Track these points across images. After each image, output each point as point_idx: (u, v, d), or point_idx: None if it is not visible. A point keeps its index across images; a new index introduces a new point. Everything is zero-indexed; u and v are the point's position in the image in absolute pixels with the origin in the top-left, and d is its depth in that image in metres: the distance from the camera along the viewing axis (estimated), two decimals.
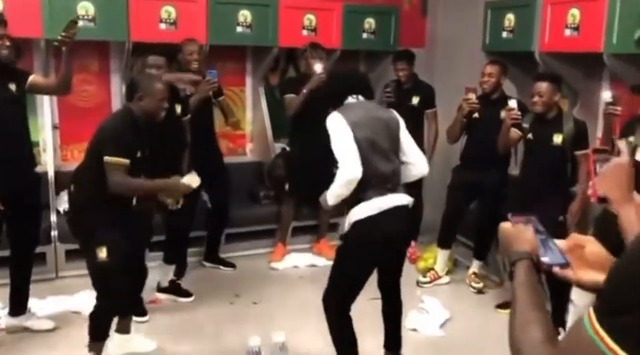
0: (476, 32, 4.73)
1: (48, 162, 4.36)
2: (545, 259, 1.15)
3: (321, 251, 4.80)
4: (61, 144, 4.67)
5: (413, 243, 4.49)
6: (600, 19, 3.59)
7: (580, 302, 3.17)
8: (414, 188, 3.95)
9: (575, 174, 3.59)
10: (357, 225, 2.71)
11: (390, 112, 2.98)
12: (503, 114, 3.86)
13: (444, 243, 4.34)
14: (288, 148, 4.90)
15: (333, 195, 2.74)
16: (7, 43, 3.08)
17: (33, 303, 3.57)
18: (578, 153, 3.54)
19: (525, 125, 3.68)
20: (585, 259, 1.17)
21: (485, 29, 4.63)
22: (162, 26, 4.33)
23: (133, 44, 4.28)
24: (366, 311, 2.96)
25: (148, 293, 3.74)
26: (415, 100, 4.67)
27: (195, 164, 3.99)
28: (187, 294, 3.99)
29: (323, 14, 4.84)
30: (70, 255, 4.13)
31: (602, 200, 1.27)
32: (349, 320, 2.83)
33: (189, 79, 3.97)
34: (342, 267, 2.82)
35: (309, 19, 4.80)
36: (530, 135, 3.67)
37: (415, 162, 2.90)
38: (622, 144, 1.25)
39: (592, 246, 1.18)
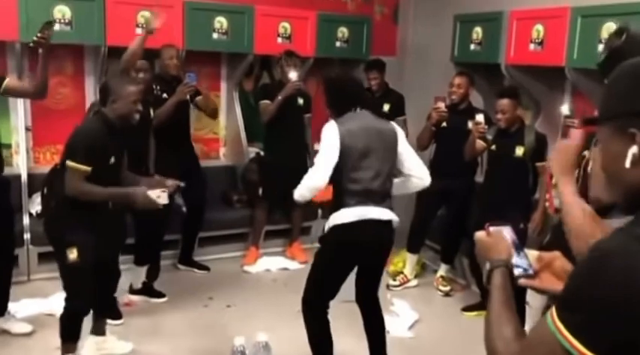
0: (445, 43, 4.90)
1: (20, 164, 4.35)
2: (514, 270, 1.26)
3: (293, 254, 4.89)
4: (34, 147, 4.65)
5: None
6: (562, 35, 3.79)
7: (535, 304, 3.36)
8: None
9: (535, 185, 3.76)
10: (335, 228, 2.79)
11: (388, 124, 2.99)
12: (470, 124, 4.02)
13: (412, 248, 4.48)
14: (261, 153, 4.98)
15: (298, 192, 2.85)
16: None
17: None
18: (538, 164, 3.71)
19: (489, 136, 3.84)
20: (553, 270, 1.30)
21: (454, 41, 4.80)
22: (139, 31, 4.33)
23: (108, 48, 4.30)
24: (341, 312, 3.06)
25: (122, 296, 3.78)
26: (386, 107, 4.80)
27: (172, 167, 4.05)
28: (160, 295, 4.04)
29: (297, 22, 4.94)
30: (43, 257, 4.13)
31: (559, 211, 1.40)
32: (326, 321, 2.92)
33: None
34: (319, 269, 2.91)
35: (284, 27, 4.89)
36: (493, 147, 3.83)
37: (416, 174, 2.94)
38: (575, 133, 1.42)
39: (559, 261, 1.31)
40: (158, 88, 4.08)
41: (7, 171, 3.60)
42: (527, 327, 3.36)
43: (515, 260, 1.27)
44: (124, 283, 3.81)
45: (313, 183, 2.78)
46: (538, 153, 3.69)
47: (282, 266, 4.77)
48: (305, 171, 4.72)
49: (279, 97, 4.39)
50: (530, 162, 3.71)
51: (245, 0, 4.87)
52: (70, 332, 3.00)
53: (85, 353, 3.15)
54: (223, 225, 4.84)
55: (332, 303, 2.96)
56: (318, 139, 5.23)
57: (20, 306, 3.72)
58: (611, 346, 0.85)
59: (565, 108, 3.36)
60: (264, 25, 4.81)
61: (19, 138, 4.40)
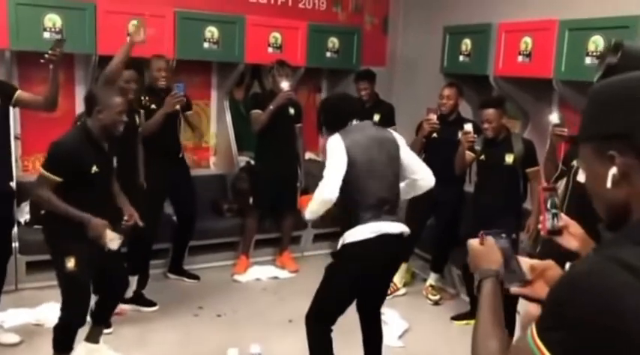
0: (435, 54, 4.96)
1: None
2: (506, 277, 1.27)
3: (283, 263, 4.89)
4: (23, 155, 4.63)
5: None
6: (550, 47, 3.85)
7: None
8: None
9: (526, 191, 3.81)
10: (351, 246, 2.74)
11: (388, 132, 3.01)
12: (460, 135, 4.05)
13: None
14: (252, 162, 4.99)
15: (310, 210, 2.81)
16: None
17: None
18: (529, 170, 3.77)
19: (478, 147, 3.88)
20: (545, 279, 1.32)
21: (443, 52, 4.85)
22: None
23: (99, 57, 4.30)
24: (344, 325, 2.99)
25: None
26: (376, 118, 4.83)
27: (160, 177, 4.06)
28: (151, 304, 4.03)
29: (288, 33, 4.98)
30: (31, 266, 4.11)
31: (551, 233, 1.41)
32: (330, 338, 2.86)
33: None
34: (331, 286, 2.84)
35: (275, 37, 4.92)
36: (482, 157, 3.88)
37: (422, 177, 2.97)
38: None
39: (552, 271, 1.33)
40: (147, 98, 4.08)
41: None
42: (516, 335, 3.37)
43: (509, 268, 1.28)
44: None
45: (325, 196, 2.71)
46: (528, 159, 3.74)
47: (272, 275, 4.76)
48: (295, 180, 4.83)
49: (271, 107, 4.41)
50: (521, 168, 3.76)
51: (236, 10, 4.90)
52: (63, 343, 2.99)
53: None
54: (213, 234, 4.83)
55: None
56: (308, 149, 5.33)
57: (8, 316, 3.69)
58: None
59: (554, 117, 3.40)
60: (255, 35, 4.84)
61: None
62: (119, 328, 3.66)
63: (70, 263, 2.84)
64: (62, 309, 2.99)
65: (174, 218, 4.47)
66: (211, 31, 4.67)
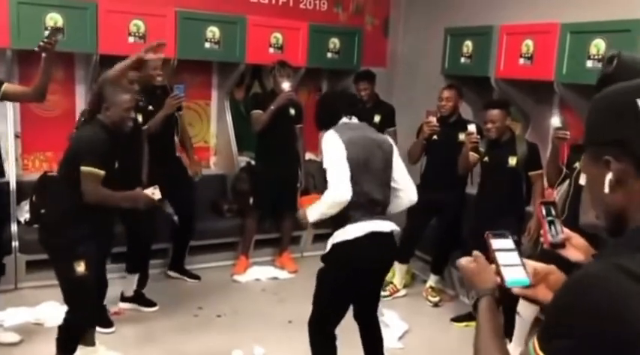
0: (435, 55, 4.96)
1: (9, 171, 4.31)
2: (510, 279, 1.27)
3: (283, 264, 4.89)
4: (23, 154, 4.62)
5: None
6: (552, 50, 3.86)
7: (525, 314, 3.40)
8: None
9: (529, 194, 3.81)
10: (338, 246, 2.68)
11: (383, 135, 2.98)
12: (461, 136, 4.06)
13: (403, 258, 4.49)
14: (252, 162, 4.99)
15: (318, 212, 2.71)
16: None
17: None
18: (532, 173, 3.77)
19: (481, 148, 3.89)
20: (547, 283, 1.33)
21: (444, 54, 4.86)
22: (131, 39, 4.36)
23: (100, 56, 4.29)
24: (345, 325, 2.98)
25: (111, 304, 3.76)
26: (377, 119, 4.84)
27: (158, 177, 4.04)
28: (151, 304, 4.02)
29: (289, 33, 4.97)
30: (31, 265, 4.10)
31: (554, 246, 1.42)
32: (333, 342, 2.83)
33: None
34: (324, 291, 2.80)
35: (276, 37, 4.92)
36: (486, 158, 3.88)
37: (404, 189, 2.86)
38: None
39: (555, 276, 1.34)
40: (143, 99, 4.04)
41: None
42: (515, 335, 3.37)
43: (511, 270, 1.28)
44: (115, 291, 3.81)
45: (336, 198, 2.61)
46: (531, 162, 3.75)
47: (271, 275, 4.76)
48: (296, 181, 4.82)
49: (272, 107, 4.41)
50: (524, 171, 3.77)
51: (237, 10, 4.90)
52: (69, 344, 2.98)
53: None
54: (213, 234, 4.83)
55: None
56: (309, 150, 5.33)
57: (7, 315, 3.67)
58: None
59: (556, 121, 3.41)
60: (256, 35, 4.83)
61: (9, 145, 4.36)
62: (119, 328, 3.65)
63: (81, 267, 2.82)
64: (69, 312, 2.96)
65: (175, 217, 4.46)
66: (212, 31, 4.66)
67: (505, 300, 1.25)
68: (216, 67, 5.23)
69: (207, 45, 4.67)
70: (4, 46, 4.07)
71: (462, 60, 4.68)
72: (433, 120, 4.22)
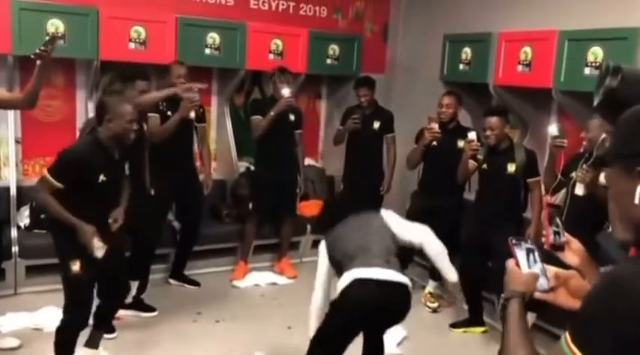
0: (434, 62, 4.99)
1: (9, 176, 4.33)
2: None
3: (282, 269, 4.90)
4: (23, 159, 4.63)
5: None
6: (550, 57, 3.88)
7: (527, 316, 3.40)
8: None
9: (527, 201, 3.83)
10: (341, 293, 2.73)
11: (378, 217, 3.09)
12: (460, 143, 4.07)
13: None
14: (252, 167, 5.01)
15: (311, 326, 2.89)
16: None
17: None
18: (530, 180, 3.80)
19: (480, 156, 3.91)
20: (568, 288, 1.38)
21: (443, 60, 4.88)
22: (132, 46, 4.39)
23: (101, 62, 4.31)
24: None
25: None
26: (376, 125, 4.85)
27: (165, 180, 4.05)
28: (151, 309, 4.03)
29: (289, 39, 5.00)
30: (31, 270, 4.11)
31: (554, 248, 1.46)
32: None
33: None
34: (324, 329, 2.81)
35: (276, 43, 4.95)
36: (485, 166, 3.90)
37: (420, 241, 3.05)
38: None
39: (575, 280, 1.39)
40: (164, 104, 4.03)
41: None
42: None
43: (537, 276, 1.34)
44: None
45: (312, 306, 2.93)
46: (529, 169, 3.78)
47: (270, 281, 4.77)
48: (295, 186, 4.84)
49: (272, 113, 4.42)
50: (522, 178, 3.79)
51: (237, 16, 4.93)
52: (65, 346, 2.99)
53: None
54: (212, 240, 4.83)
55: None
56: (308, 155, 5.35)
57: (6, 320, 3.67)
58: None
59: (553, 129, 3.43)
60: (256, 42, 4.86)
61: (9, 151, 4.38)
62: (119, 333, 3.65)
63: (75, 266, 2.87)
64: (64, 312, 2.99)
65: (176, 223, 4.46)
66: (213, 37, 4.69)
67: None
68: (216, 73, 5.25)
69: (207, 51, 4.70)
70: (6, 52, 4.09)
71: (461, 66, 4.71)
72: (435, 126, 4.24)
